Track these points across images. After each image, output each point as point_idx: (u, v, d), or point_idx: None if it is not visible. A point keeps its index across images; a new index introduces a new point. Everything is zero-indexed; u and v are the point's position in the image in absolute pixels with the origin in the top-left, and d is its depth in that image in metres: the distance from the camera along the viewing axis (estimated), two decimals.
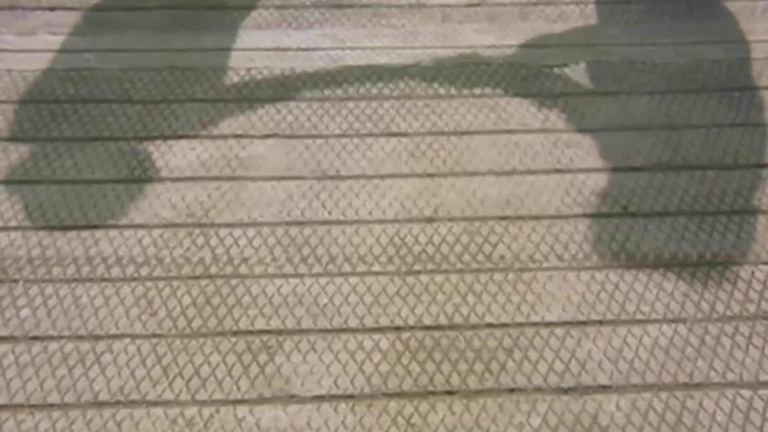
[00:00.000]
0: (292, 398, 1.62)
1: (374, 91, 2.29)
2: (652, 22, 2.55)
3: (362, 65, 2.38)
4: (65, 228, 1.92)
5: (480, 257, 1.86)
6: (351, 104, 2.25)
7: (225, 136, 2.15)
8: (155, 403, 1.61)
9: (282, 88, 2.30)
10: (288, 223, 1.93)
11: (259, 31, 2.51)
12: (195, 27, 2.52)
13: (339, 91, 2.29)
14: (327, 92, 2.29)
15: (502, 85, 2.31)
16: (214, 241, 1.89)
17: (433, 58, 2.41)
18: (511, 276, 1.82)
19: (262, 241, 1.89)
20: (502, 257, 1.86)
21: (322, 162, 2.08)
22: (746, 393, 1.62)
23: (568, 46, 2.45)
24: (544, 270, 1.83)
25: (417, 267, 1.84)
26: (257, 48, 2.44)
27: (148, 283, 1.80)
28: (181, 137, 2.15)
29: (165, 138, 2.14)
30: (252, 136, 2.15)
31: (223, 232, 1.91)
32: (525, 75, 2.35)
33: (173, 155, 2.10)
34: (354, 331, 1.73)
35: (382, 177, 2.04)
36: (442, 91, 2.29)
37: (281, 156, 2.10)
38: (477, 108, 2.24)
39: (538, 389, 1.63)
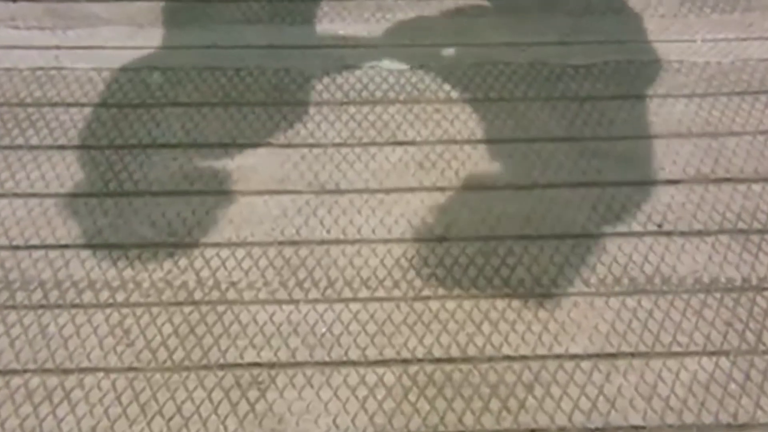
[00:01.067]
0: None
1: (378, 94, 2.33)
2: (690, 15, 2.58)
3: (365, 65, 2.41)
4: (31, 248, 1.95)
5: (496, 281, 1.88)
6: (352, 109, 2.28)
7: (211, 145, 2.18)
8: None
9: (275, 92, 2.33)
10: (282, 243, 1.96)
11: (250, 26, 2.54)
12: (177, 21, 2.55)
13: (339, 95, 2.32)
14: (325, 96, 2.32)
15: (521, 88, 2.34)
16: (198, 263, 1.92)
17: (444, 57, 2.44)
18: (531, 302, 1.84)
19: (252, 263, 1.92)
20: (521, 281, 1.88)
21: (320, 174, 2.11)
22: None
23: (595, 44, 2.48)
24: (569, 296, 1.86)
25: (426, 292, 1.86)
26: (247, 45, 2.47)
27: (125, 310, 1.83)
28: (161, 146, 2.18)
29: (144, 146, 2.17)
30: (241, 145, 2.18)
31: (209, 252, 1.94)
32: (547, 76, 2.38)
33: (153, 166, 2.13)
34: (355, 364, 1.75)
35: (387, 191, 2.07)
36: (454, 94, 2.33)
37: (274, 167, 2.13)
38: (493, 113, 2.27)
39: (562, 430, 1.65)
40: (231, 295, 1.86)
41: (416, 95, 2.32)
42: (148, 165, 2.13)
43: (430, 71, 2.39)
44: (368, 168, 2.12)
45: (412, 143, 2.19)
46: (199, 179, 2.09)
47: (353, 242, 1.96)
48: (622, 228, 1.99)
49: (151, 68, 2.38)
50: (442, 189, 2.07)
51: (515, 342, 1.77)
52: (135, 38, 2.48)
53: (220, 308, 1.83)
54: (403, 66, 2.41)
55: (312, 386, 1.71)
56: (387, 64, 2.42)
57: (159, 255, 1.93)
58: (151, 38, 2.48)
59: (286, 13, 2.58)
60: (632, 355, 1.75)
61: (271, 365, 1.74)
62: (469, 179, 2.10)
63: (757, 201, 2.05)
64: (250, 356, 1.75)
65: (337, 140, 2.20)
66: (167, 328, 1.80)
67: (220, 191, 2.07)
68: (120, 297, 1.85)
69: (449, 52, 2.46)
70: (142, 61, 2.41)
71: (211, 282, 1.88)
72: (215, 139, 2.19)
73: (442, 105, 2.29)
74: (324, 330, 1.80)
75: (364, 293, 1.86)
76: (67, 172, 2.11)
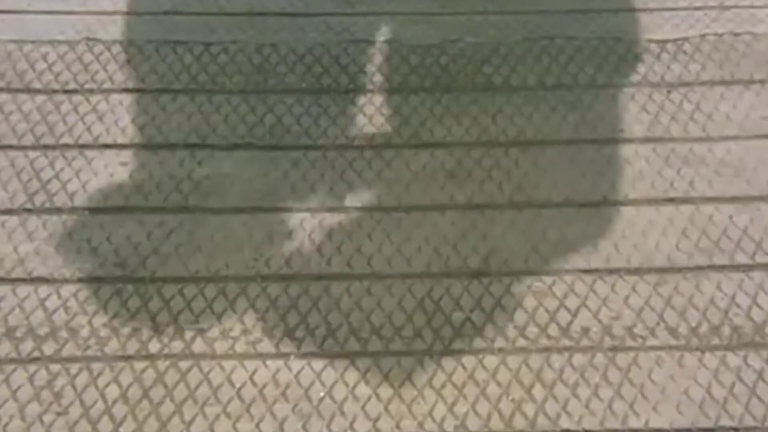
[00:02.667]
0: None
1: (396, 79, 2.38)
2: None
3: (378, 41, 2.46)
4: None
5: (553, 330, 1.93)
6: (361, 99, 2.33)
7: (172, 146, 2.23)
8: None
9: (258, 75, 2.38)
10: (266, 278, 2.00)
11: None
12: None
13: (344, 80, 2.38)
14: (326, 81, 2.37)
15: (587, 71, 2.39)
16: (155, 304, 1.96)
17: (483, 31, 2.49)
18: (599, 358, 1.88)
19: (227, 305, 1.96)
20: (585, 330, 1.93)
21: (318, 185, 2.16)
22: None
23: (688, 11, 2.53)
24: (650, 350, 1.89)
25: (458, 345, 1.90)
26: (220, 12, 2.53)
27: (55, 367, 1.86)
28: (105, 146, 2.23)
29: (81, 147, 2.22)
30: (212, 146, 2.23)
31: (169, 289, 1.98)
32: (622, 55, 2.43)
33: (93, 174, 2.18)
34: None
35: (408, 209, 2.12)
36: (497, 79, 2.38)
37: (257, 176, 2.18)
38: (550, 105, 2.32)
39: None
40: (198, 346, 1.90)
41: (446, 81, 2.37)
42: (87, 172, 2.17)
43: (465, 48, 2.44)
44: (382, 178, 2.17)
45: (440, 145, 2.24)
46: (157, 191, 2.14)
47: (362, 277, 2.00)
48: (722, 260, 2.03)
49: (91, 41, 2.43)
50: (479, 207, 2.12)
51: (578, 411, 1.81)
52: (69, 1, 2.54)
53: (184, 364, 1.87)
54: (430, 41, 2.46)
55: None
56: (408, 38, 2.46)
57: (102, 293, 1.97)
58: (91, 1, 2.54)
59: None
60: (736, 430, 1.78)
61: None
62: (516, 193, 2.15)
63: None
64: (223, 428, 1.78)
65: (342, 140, 2.25)
66: (113, 391, 1.83)
67: (184, 208, 2.12)
68: (49, 349, 1.88)
69: (492, 22, 2.51)
70: (79, 31, 2.46)
71: (171, 329, 1.92)
72: (178, 137, 2.25)
73: (480, 94, 2.34)
74: (322, 394, 1.83)
75: (375, 345, 1.90)
76: None
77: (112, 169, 2.18)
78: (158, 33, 2.46)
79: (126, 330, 1.92)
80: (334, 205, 2.12)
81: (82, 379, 1.85)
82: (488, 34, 2.48)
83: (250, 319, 1.94)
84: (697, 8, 2.52)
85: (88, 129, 2.26)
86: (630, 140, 2.24)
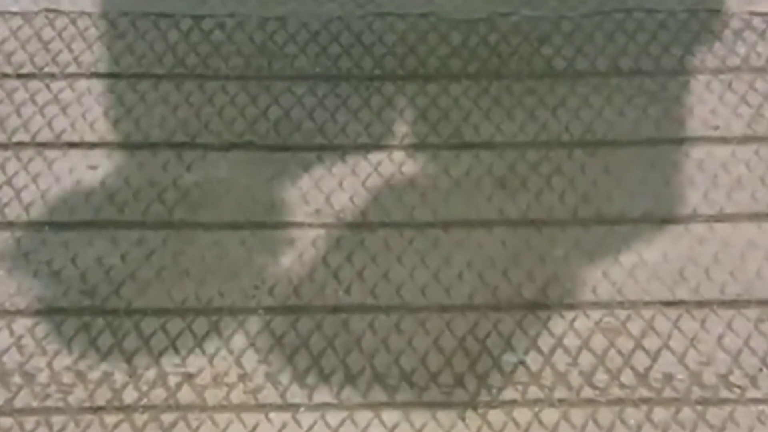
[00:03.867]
0: None
1: (433, 64, 2.41)
2: None
3: (412, 13, 2.49)
4: None
5: (627, 377, 1.95)
6: (389, 88, 2.37)
7: (154, 145, 2.26)
8: None
9: (260, 56, 2.42)
10: (270, 310, 2.03)
11: None
12: None
13: (368, 63, 2.41)
14: (345, 65, 2.41)
15: (673, 53, 2.42)
16: (131, 342, 1.99)
17: (542, 1, 2.51)
18: (686, 413, 1.90)
19: (221, 343, 1.99)
20: (668, 378, 1.94)
21: (335, 195, 2.19)
22: None
23: None
24: (749, 403, 1.91)
25: (510, 394, 1.93)
26: None
27: (6, 421, 1.88)
28: (70, 145, 2.27)
29: (39, 145, 2.26)
30: (204, 146, 2.27)
31: (149, 324, 2.01)
32: (718, 32, 2.45)
33: (55, 180, 2.21)
34: None
35: (446, 225, 2.15)
36: (559, 63, 2.42)
37: (259, 183, 2.21)
38: (625, 96, 2.35)
39: None
40: (186, 395, 1.92)
41: (496, 65, 2.40)
42: (47, 177, 2.21)
43: (520, 23, 2.48)
44: (414, 186, 2.20)
45: (487, 146, 2.27)
46: (134, 201, 2.18)
47: (389, 310, 2.03)
48: None
49: (52, 12, 2.47)
50: (535, 223, 2.15)
51: None
52: None
53: (167, 418, 1.90)
54: (476, 14, 2.49)
55: None
56: (449, 10, 2.49)
57: (66, 328, 2.00)
58: None
59: None
60: None
61: None
62: (582, 206, 2.18)
63: None
64: None
65: (364, 139, 2.28)
66: None
67: (169, 222, 2.15)
68: None
69: None
70: (37, 0, 2.50)
71: (151, 373, 1.95)
72: (161, 134, 2.28)
73: (537, 82, 2.37)
74: None
75: (406, 394, 1.92)
76: None
77: (79, 174, 2.22)
78: (136, 3, 2.50)
79: (95, 375, 1.94)
80: (355, 221, 2.15)
81: None
82: (548, 5, 2.51)
83: (249, 361, 1.97)
84: None
85: (49, 123, 2.30)
86: (726, 140, 2.27)
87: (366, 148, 2.27)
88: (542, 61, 2.41)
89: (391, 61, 2.41)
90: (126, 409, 1.91)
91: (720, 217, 2.15)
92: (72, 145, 2.26)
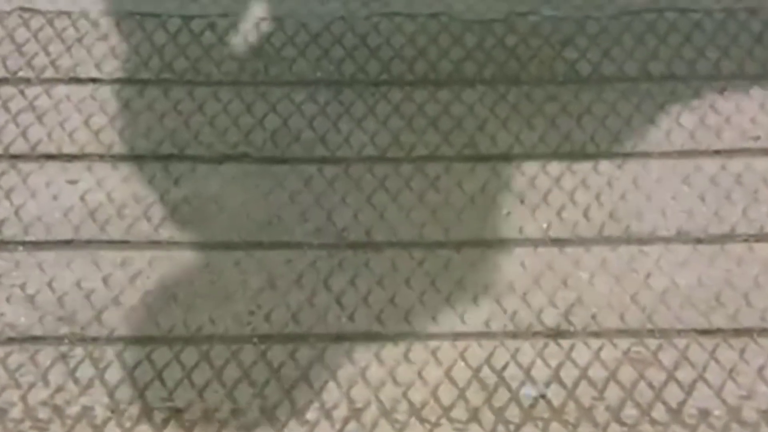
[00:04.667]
0: None
1: (445, 68, 2.39)
2: None
3: (422, 14, 2.48)
4: None
5: (659, 413, 1.91)
6: (397, 94, 2.35)
7: (139, 157, 2.24)
8: None
9: (256, 60, 2.41)
10: (266, 338, 2.01)
11: None
12: None
13: (374, 67, 2.40)
14: (349, 69, 2.40)
15: (709, 56, 2.40)
16: (113, 374, 1.96)
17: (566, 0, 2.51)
18: None
19: (212, 374, 1.96)
20: (704, 414, 1.91)
21: (338, 212, 2.17)
22: None
23: None
24: None
25: (530, 431, 1.90)
26: None
27: None
28: (47, 157, 2.25)
29: (12, 158, 2.24)
30: (194, 158, 2.25)
31: (133, 354, 1.99)
32: (758, 33, 2.43)
33: (30, 195, 2.19)
34: None
35: (458, 245, 2.13)
36: (584, 67, 2.40)
37: (254, 199, 2.19)
38: (656, 104, 2.33)
39: None
40: None
41: (514, 69, 2.38)
42: (21, 192, 2.19)
43: (540, 24, 2.46)
44: (424, 202, 2.18)
45: (505, 158, 2.25)
46: (117, 218, 2.16)
47: (397, 338, 2.01)
48: None
49: (27, 12, 2.46)
50: (558, 242, 2.13)
51: None
52: None
53: None
54: (492, 14, 2.48)
55: None
56: (462, 10, 2.48)
57: (41, 358, 1.98)
58: None
59: None
60: None
61: None
62: (609, 222, 2.16)
63: None
64: None
65: (370, 151, 2.26)
66: None
67: (155, 242, 2.13)
68: None
69: None
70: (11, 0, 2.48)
71: (135, 408, 1.92)
72: (147, 146, 2.27)
73: (561, 88, 2.36)
74: None
75: (416, 430, 1.90)
76: None
77: (56, 189, 2.20)
78: (120, 2, 2.48)
79: (73, 410, 1.92)
80: (359, 240, 2.13)
81: None
82: (572, 4, 2.50)
83: (243, 394, 1.94)
84: None
85: (23, 133, 2.29)
86: (767, 152, 2.25)
87: (371, 161, 2.25)
88: (565, 66, 2.39)
89: (398, 65, 2.39)
90: None
91: (760, 237, 2.13)
92: (49, 157, 2.25)
